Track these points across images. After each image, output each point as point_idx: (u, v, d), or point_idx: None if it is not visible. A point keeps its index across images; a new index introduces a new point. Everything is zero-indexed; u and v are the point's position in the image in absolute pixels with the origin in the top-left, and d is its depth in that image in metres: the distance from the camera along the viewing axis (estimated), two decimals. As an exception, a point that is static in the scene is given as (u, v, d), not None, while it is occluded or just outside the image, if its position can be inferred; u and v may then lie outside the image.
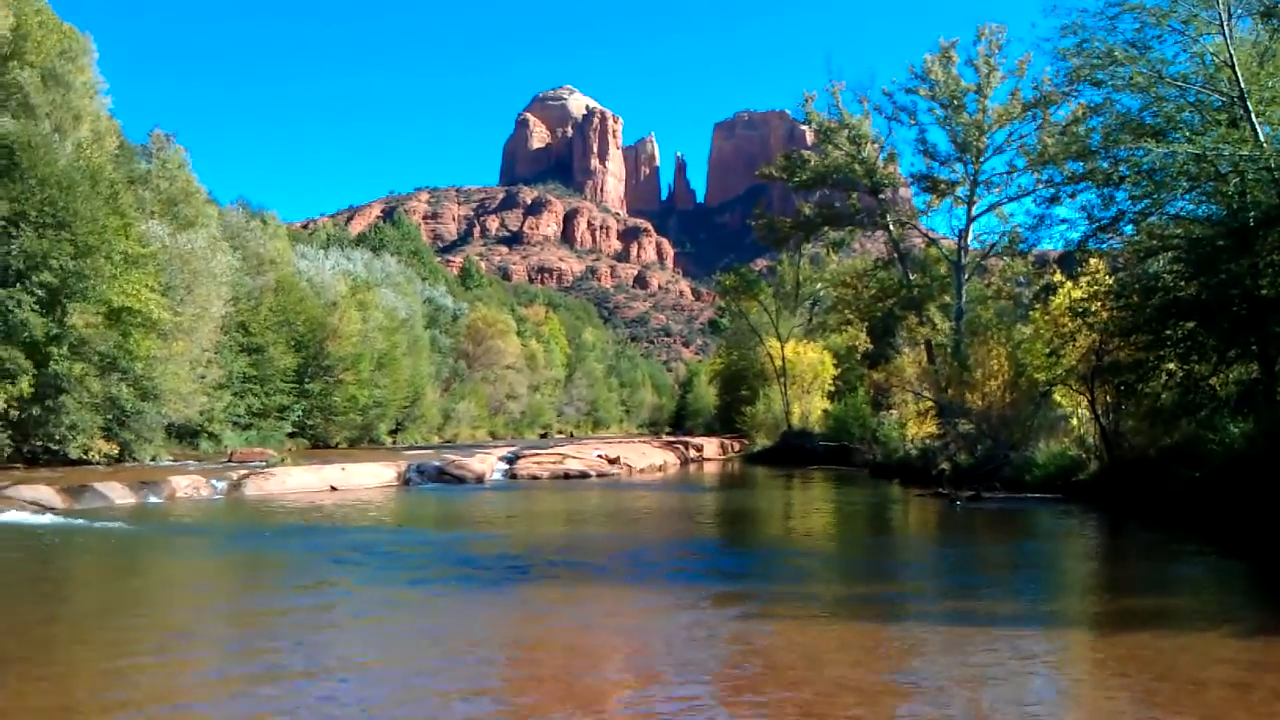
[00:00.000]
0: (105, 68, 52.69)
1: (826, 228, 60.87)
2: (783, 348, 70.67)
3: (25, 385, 36.65)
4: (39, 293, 37.22)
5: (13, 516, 23.91)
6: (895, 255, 58.27)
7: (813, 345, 73.64)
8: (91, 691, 9.46)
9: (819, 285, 79.00)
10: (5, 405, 36.45)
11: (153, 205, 52.50)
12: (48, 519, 24.06)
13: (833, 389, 70.40)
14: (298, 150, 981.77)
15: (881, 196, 56.79)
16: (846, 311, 67.38)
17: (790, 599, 14.52)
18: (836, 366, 71.57)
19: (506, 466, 44.37)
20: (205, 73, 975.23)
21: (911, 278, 56.58)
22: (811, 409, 68.89)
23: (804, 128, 70.66)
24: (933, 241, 60.07)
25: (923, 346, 54.51)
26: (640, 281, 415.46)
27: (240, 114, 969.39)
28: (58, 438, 39.39)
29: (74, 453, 39.93)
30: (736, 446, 75.23)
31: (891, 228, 56.52)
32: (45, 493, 26.59)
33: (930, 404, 44.36)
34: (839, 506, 33.48)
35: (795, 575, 17.41)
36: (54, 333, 37.49)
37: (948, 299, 54.22)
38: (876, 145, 55.51)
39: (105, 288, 39.62)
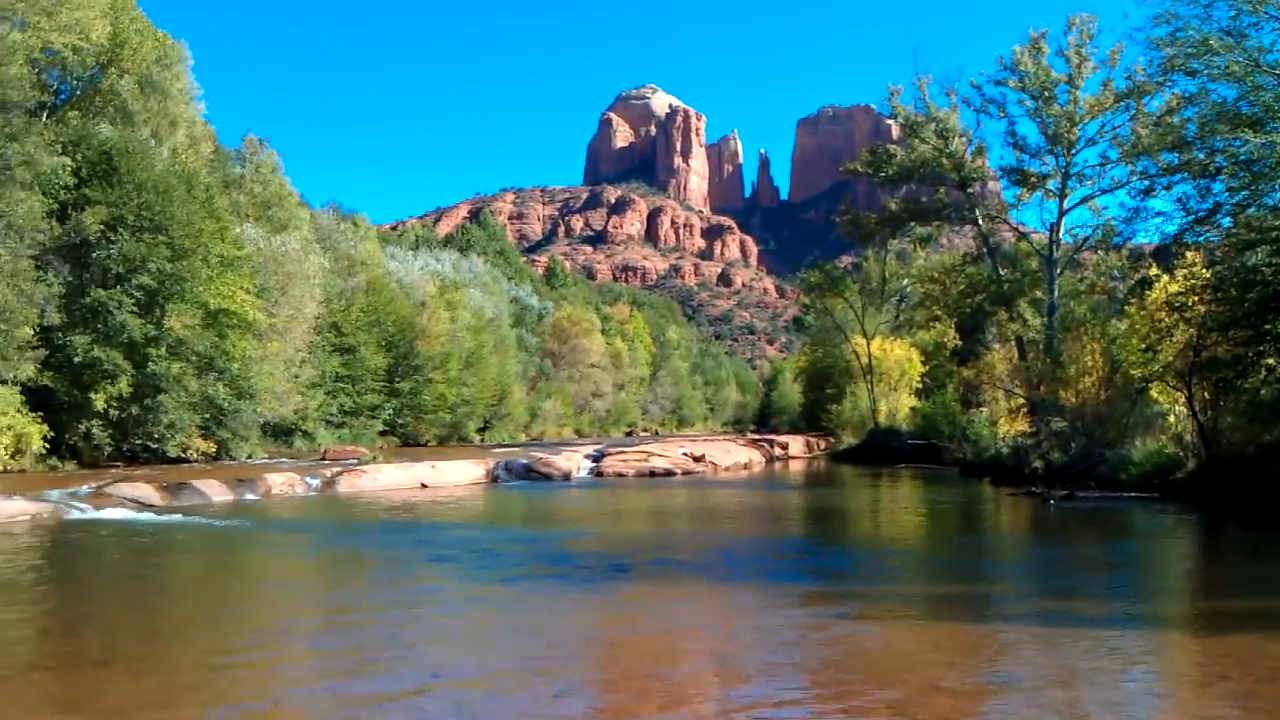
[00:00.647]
0: (199, 74, 54.01)
1: (913, 223, 60.08)
2: (869, 345, 69.94)
3: (124, 385, 37.70)
4: (137, 295, 38.24)
5: (114, 514, 24.62)
6: (984, 250, 57.26)
7: (900, 342, 72.75)
8: (191, 687, 9.67)
9: (906, 281, 78.02)
10: (105, 405, 37.52)
11: (247, 209, 53.71)
12: (148, 516, 24.70)
13: (920, 386, 69.49)
14: (386, 153, 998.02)
15: (970, 190, 55.87)
16: (934, 307, 66.39)
17: (880, 598, 14.37)
18: (924, 363, 70.58)
19: (592, 464, 44.56)
20: (296, 78, 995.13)
21: (1002, 273, 55.57)
22: (899, 406, 68.09)
23: (889, 122, 69.99)
24: (1023, 236, 58.91)
25: (1013, 343, 53.50)
26: (724, 279, 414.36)
27: (331, 118, 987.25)
28: (156, 436, 40.43)
29: (172, 451, 40.97)
30: (822, 445, 74.63)
31: (980, 222, 55.59)
32: (145, 490, 27.30)
33: (1022, 401, 43.56)
34: (929, 505, 33.05)
35: (885, 574, 17.22)
36: (152, 334, 38.49)
37: (1039, 294, 53.13)
38: (964, 138, 54.59)
39: (202, 290, 40.60)
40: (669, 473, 43.60)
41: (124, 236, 38.17)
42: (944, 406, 58.43)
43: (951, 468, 47.55)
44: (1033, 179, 52.01)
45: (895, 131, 76.16)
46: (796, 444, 70.55)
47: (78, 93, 45.86)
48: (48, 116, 41.32)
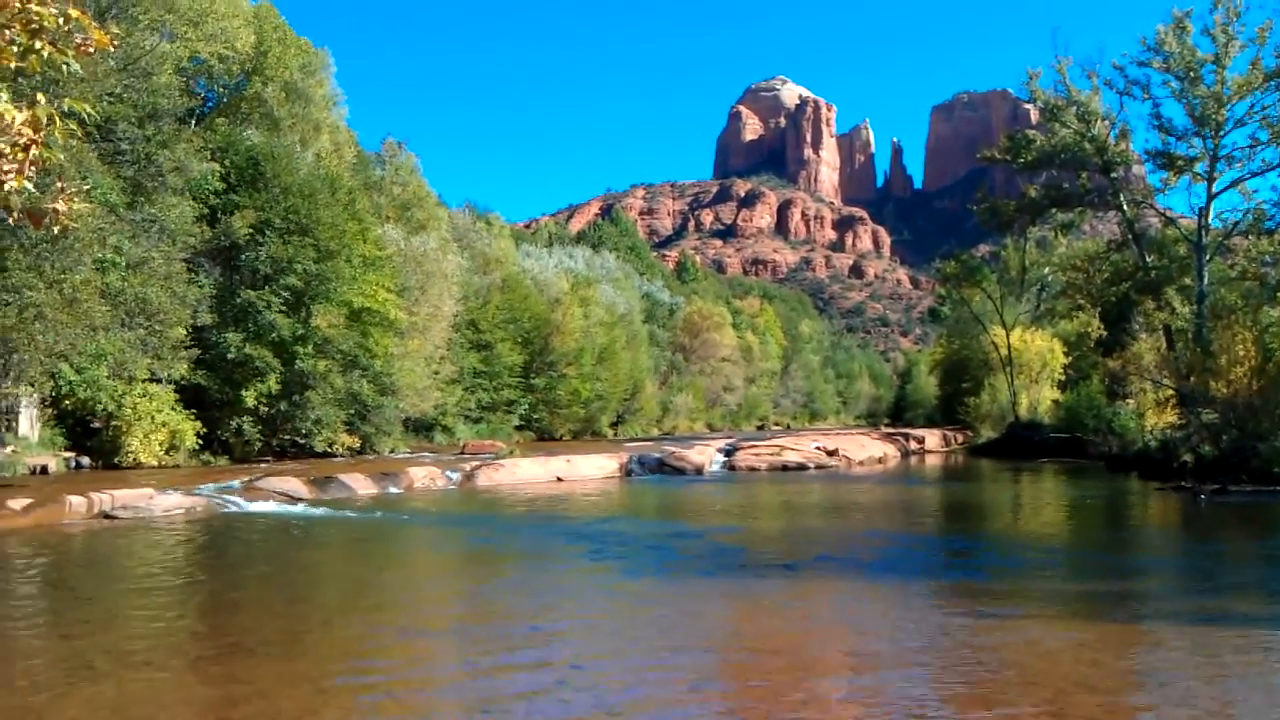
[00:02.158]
0: (340, 80, 55.63)
1: (1054, 210, 58.41)
2: (1008, 336, 68.36)
3: (273, 382, 39.10)
4: (285, 295, 39.61)
5: (265, 507, 25.58)
6: (1129, 237, 55.34)
7: (1040, 333, 70.87)
8: (342, 675, 10.05)
9: (1046, 270, 76.04)
10: (256, 401, 38.97)
11: (387, 210, 55.20)
12: (296, 509, 25.60)
13: (1062, 378, 67.58)
14: (520, 153, 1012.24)
15: (1113, 175, 54.06)
16: (1077, 297, 64.42)
17: (1023, 595, 14.10)
18: (1066, 354, 68.65)
19: (725, 458, 44.57)
20: (432, 81, 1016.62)
21: (1148, 259, 53.69)
22: (1040, 399, 66.35)
23: (1028, 106, 68.23)
24: (1170, 221, 56.79)
25: (1161, 332, 51.70)
26: (856, 271, 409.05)
27: (466, 120, 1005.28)
28: (304, 432, 41.82)
29: (319, 446, 42.34)
30: (959, 439, 73.25)
31: (1125, 208, 53.75)
32: (294, 484, 28.30)
33: (1170, 392, 42.07)
34: (1073, 500, 32.19)
35: (1028, 570, 16.87)
36: (299, 332, 39.82)
37: (1187, 281, 51.18)
38: (1107, 122, 52.86)
39: (345, 289, 41.87)
40: (802, 467, 43.38)
41: (271, 239, 39.57)
42: (1088, 399, 56.75)
43: (1096, 462, 46.21)
44: (1179, 162, 50.07)
45: (1034, 116, 74.29)
46: (933, 438, 69.47)
47: (225, 100, 47.67)
48: (196, 124, 43.03)
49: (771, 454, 45.15)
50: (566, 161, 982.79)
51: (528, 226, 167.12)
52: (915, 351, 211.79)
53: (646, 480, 37.73)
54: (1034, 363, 67.90)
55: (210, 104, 47.11)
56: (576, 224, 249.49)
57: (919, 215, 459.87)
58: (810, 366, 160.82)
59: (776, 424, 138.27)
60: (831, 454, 47.50)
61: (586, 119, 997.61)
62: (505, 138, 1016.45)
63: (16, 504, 21.21)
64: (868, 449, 53.13)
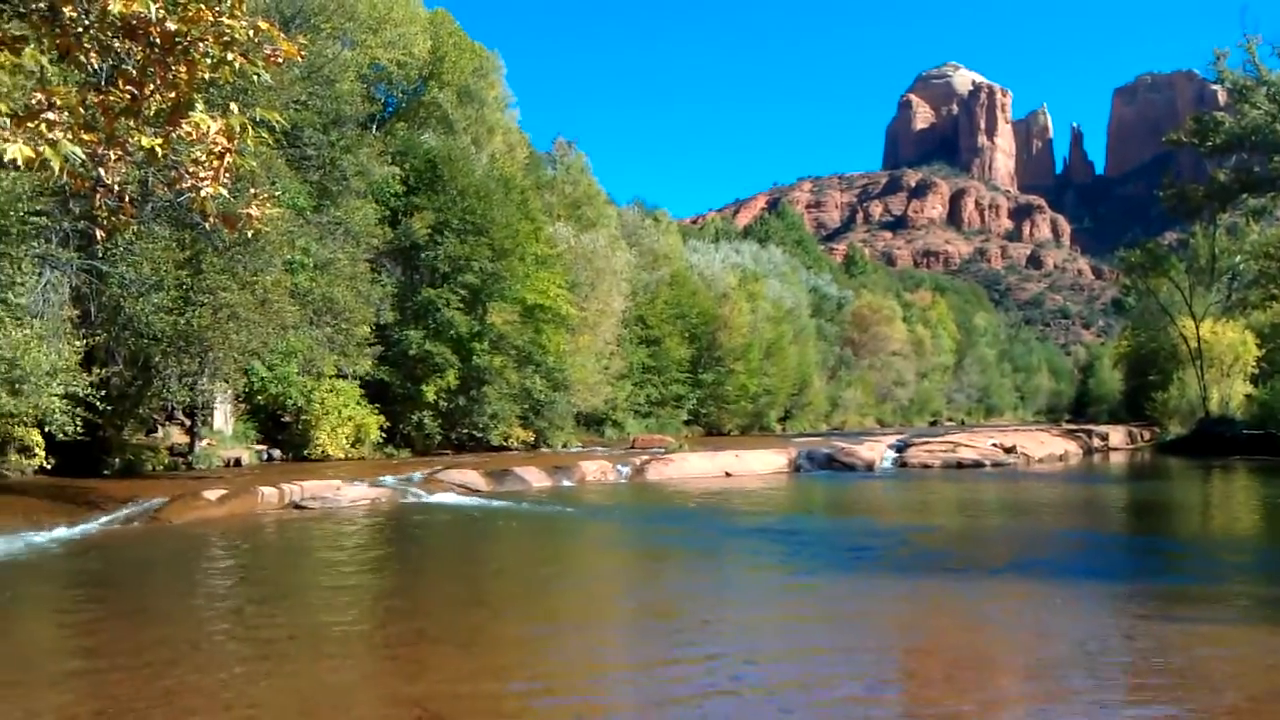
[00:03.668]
0: (511, 81, 56.88)
1: (1245, 195, 55.43)
2: (1197, 327, 65.05)
3: (452, 378, 40.30)
4: (462, 293, 40.79)
5: (444, 498, 26.39)
6: (1328, 222, 52.17)
7: (1232, 324, 67.23)
8: (518, 665, 10.24)
9: (1238, 258, 72.08)
10: (435, 396, 40.22)
11: (558, 209, 56.17)
12: (474, 501, 26.30)
13: (1256, 372, 64.02)
14: (686, 149, 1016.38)
15: (1311, 158, 50.97)
16: (1271, 286, 61.00)
17: (1212, 598, 13.41)
18: (1260, 346, 64.99)
19: (896, 454, 43.74)
20: (599, 80, 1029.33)
21: (1352, 246, 50.47)
22: (1232, 394, 62.99)
23: (1215, 88, 64.75)
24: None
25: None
26: (1034, 261, 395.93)
27: (632, 117, 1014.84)
28: (481, 426, 42.96)
29: (495, 440, 43.44)
30: (1145, 435, 70.11)
31: (1322, 192, 50.65)
32: (471, 476, 29.08)
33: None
34: (1268, 500, 30.44)
35: (1218, 573, 16.02)
36: (476, 329, 40.91)
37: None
38: (1300, 102, 49.86)
39: (519, 287, 42.86)
40: (977, 464, 42.25)
41: (449, 239, 40.76)
42: (1286, 393, 53.67)
43: (1294, 460, 43.66)
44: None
45: (1221, 97, 70.39)
46: (1117, 434, 66.63)
47: (403, 105, 49.27)
48: (377, 129, 44.62)
49: (945, 450, 44.11)
50: (733, 156, 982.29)
51: (694, 222, 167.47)
52: (1098, 344, 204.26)
53: (815, 476, 37.36)
54: (1225, 356, 64.46)
55: (390, 109, 48.74)
56: (743, 219, 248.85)
57: (1101, 202, 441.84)
58: (985, 360, 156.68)
59: (950, 420, 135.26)
60: (1009, 451, 46.08)
61: (753, 114, 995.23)
62: (672, 135, 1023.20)
63: (212, 495, 22.37)
64: (1047, 446, 51.36)
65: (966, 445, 45.75)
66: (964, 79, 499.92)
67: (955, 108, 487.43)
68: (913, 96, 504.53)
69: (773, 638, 11.39)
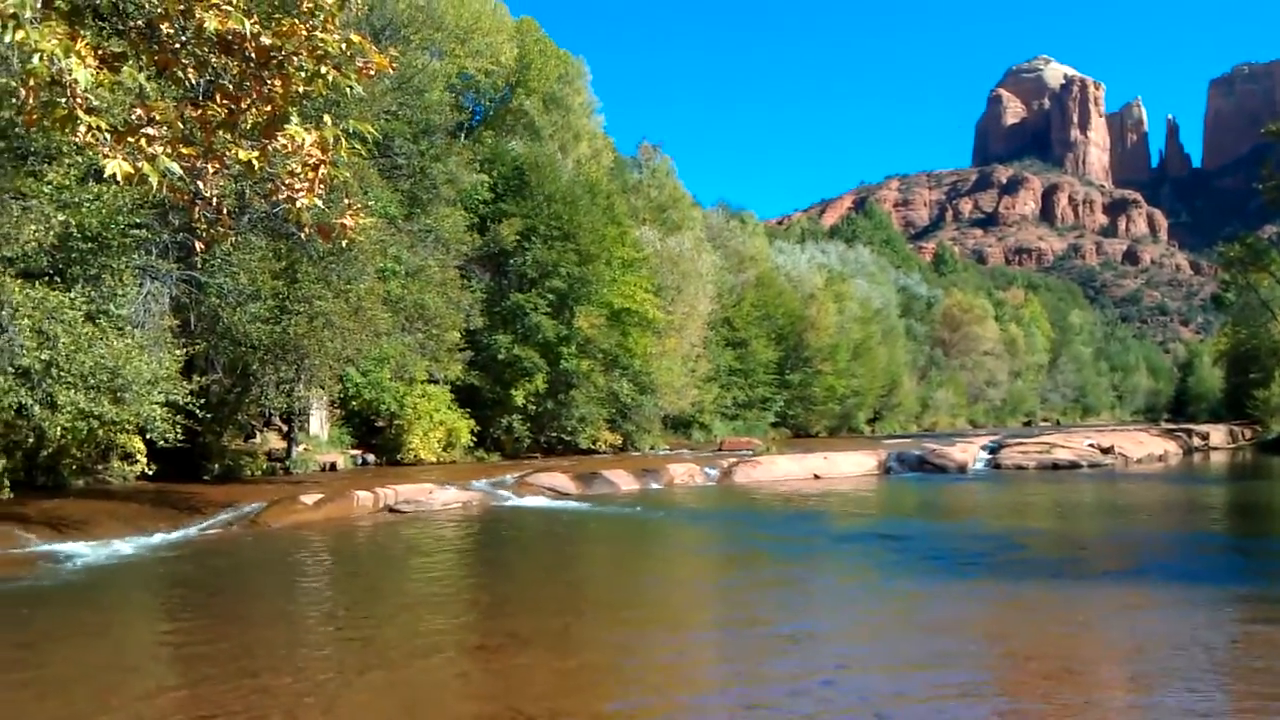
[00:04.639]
0: (595, 86, 57.14)
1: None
2: (1303, 323, 63.04)
3: (540, 382, 40.59)
4: (550, 297, 41.07)
5: (534, 501, 26.62)
6: None
7: (1340, 319, 65.04)
8: (610, 669, 10.29)
9: (1343, 251, 69.67)
10: (524, 400, 40.55)
11: (644, 212, 56.28)
12: (563, 504, 26.49)
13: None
14: (772, 150, 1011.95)
15: None
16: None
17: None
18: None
19: (989, 456, 43.02)
20: (684, 82, 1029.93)
21: None
22: (1342, 390, 60.91)
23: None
24: None
25: None
26: (1130, 257, 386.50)
27: (718, 119, 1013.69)
28: (569, 429, 43.22)
29: (583, 443, 43.66)
30: (1247, 434, 68.08)
31: None
32: (561, 480, 29.28)
33: None
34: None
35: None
36: (563, 333, 41.17)
37: None
38: None
39: (606, 291, 43.04)
40: (1073, 465, 41.38)
41: (536, 245, 41.08)
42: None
43: None
44: None
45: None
46: (1218, 434, 64.80)
47: (491, 113, 49.78)
48: (465, 137, 45.11)
49: (1040, 451, 43.26)
50: (819, 156, 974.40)
51: (780, 223, 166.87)
52: (1197, 342, 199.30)
53: (906, 478, 36.91)
54: (1333, 351, 62.36)
55: (477, 117, 49.29)
56: (829, 218, 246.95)
57: (1198, 196, 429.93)
58: (1081, 359, 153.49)
59: (1044, 420, 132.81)
60: (1106, 451, 45.04)
61: (839, 113, 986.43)
62: (757, 136, 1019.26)
63: (309, 499, 22.80)
64: (1146, 446, 50.13)
65: (1062, 446, 44.82)
66: (1055, 72, 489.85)
67: (1047, 102, 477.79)
68: (1003, 91, 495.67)
69: (865, 643, 11.27)
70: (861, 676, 9.69)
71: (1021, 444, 45.72)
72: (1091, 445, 46.02)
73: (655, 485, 31.69)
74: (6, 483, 20.57)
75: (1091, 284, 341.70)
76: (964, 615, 12.66)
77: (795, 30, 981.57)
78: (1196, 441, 58.97)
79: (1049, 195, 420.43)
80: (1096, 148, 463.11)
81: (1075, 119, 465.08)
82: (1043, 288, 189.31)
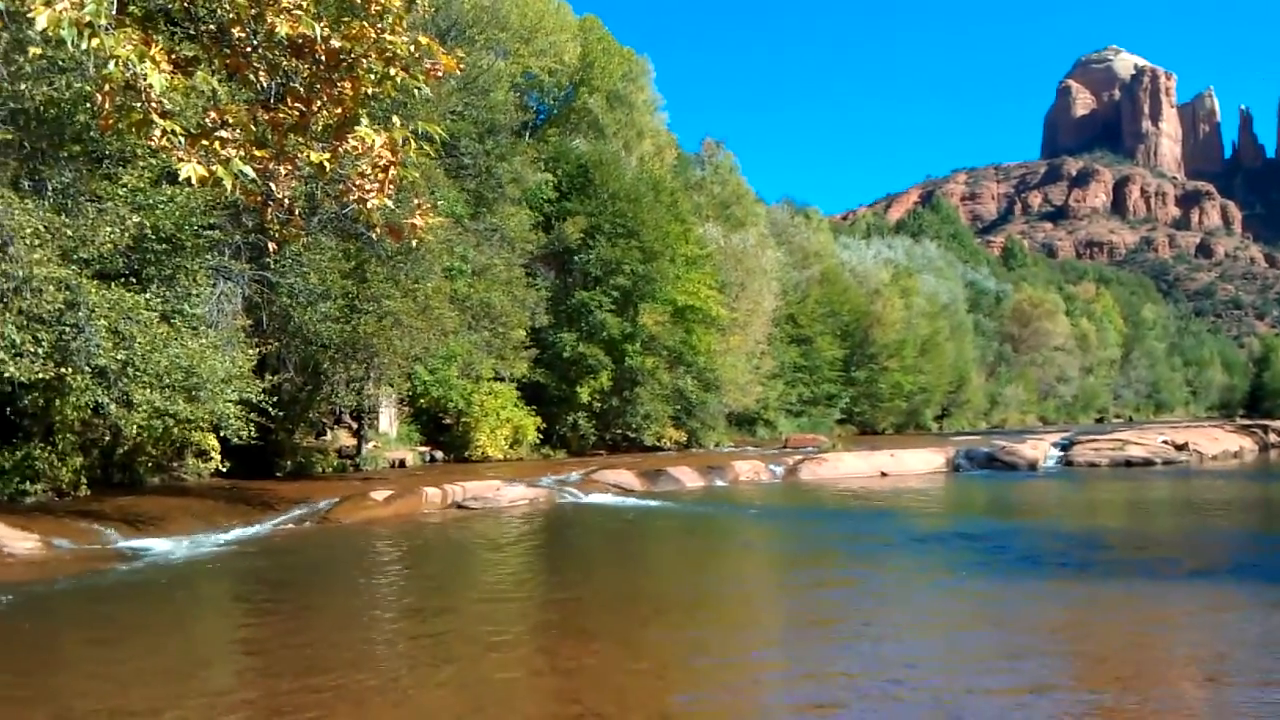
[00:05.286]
0: (658, 83, 57.20)
1: None
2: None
3: (605, 379, 40.74)
4: (614, 295, 41.20)
5: (600, 498, 26.69)
6: None
7: None
8: (677, 664, 10.26)
9: None
10: (590, 398, 40.71)
11: (707, 209, 56.23)
12: (629, 500, 26.52)
13: None
14: (836, 144, 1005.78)
15: None
16: None
17: None
18: None
19: (1060, 453, 42.35)
20: (746, 77, 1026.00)
21: None
22: None
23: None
24: None
25: None
26: (1204, 250, 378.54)
27: (781, 115, 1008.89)
28: (634, 426, 43.34)
29: (648, 440, 43.73)
30: (1329, 430, 66.35)
31: None
32: (626, 477, 29.33)
33: None
34: None
35: None
36: (628, 331, 41.28)
37: None
38: None
39: (670, 288, 43.08)
40: (1147, 462, 40.61)
41: (601, 242, 41.22)
42: None
43: None
44: None
45: None
46: (1297, 430, 63.21)
47: (555, 111, 50.03)
48: (530, 136, 45.37)
49: (1113, 448, 42.50)
50: (884, 150, 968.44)
51: (845, 219, 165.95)
52: (1273, 335, 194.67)
53: (975, 476, 36.47)
54: None
55: (541, 116, 49.55)
56: (895, 213, 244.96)
57: (1273, 187, 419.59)
58: (1154, 354, 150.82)
59: (1117, 416, 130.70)
60: (1180, 448, 44.13)
61: (904, 106, 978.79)
62: (821, 130, 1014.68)
63: (379, 495, 23.07)
64: (1221, 443, 49.04)
65: (1135, 443, 44.01)
66: (1125, 63, 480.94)
67: (1117, 92, 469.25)
68: (1072, 82, 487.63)
69: (935, 642, 11.15)
70: (932, 675, 9.57)
71: (1094, 441, 44.96)
72: (1165, 442, 45.12)
73: (720, 482, 31.64)
74: (84, 480, 21.06)
75: (1164, 278, 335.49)
76: (1037, 614, 12.48)
77: (861, 23, 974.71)
78: (1273, 438, 57.54)
79: (1120, 188, 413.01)
80: (1168, 139, 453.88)
81: (1146, 110, 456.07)
82: (1114, 282, 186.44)
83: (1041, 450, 41.80)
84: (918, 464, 37.60)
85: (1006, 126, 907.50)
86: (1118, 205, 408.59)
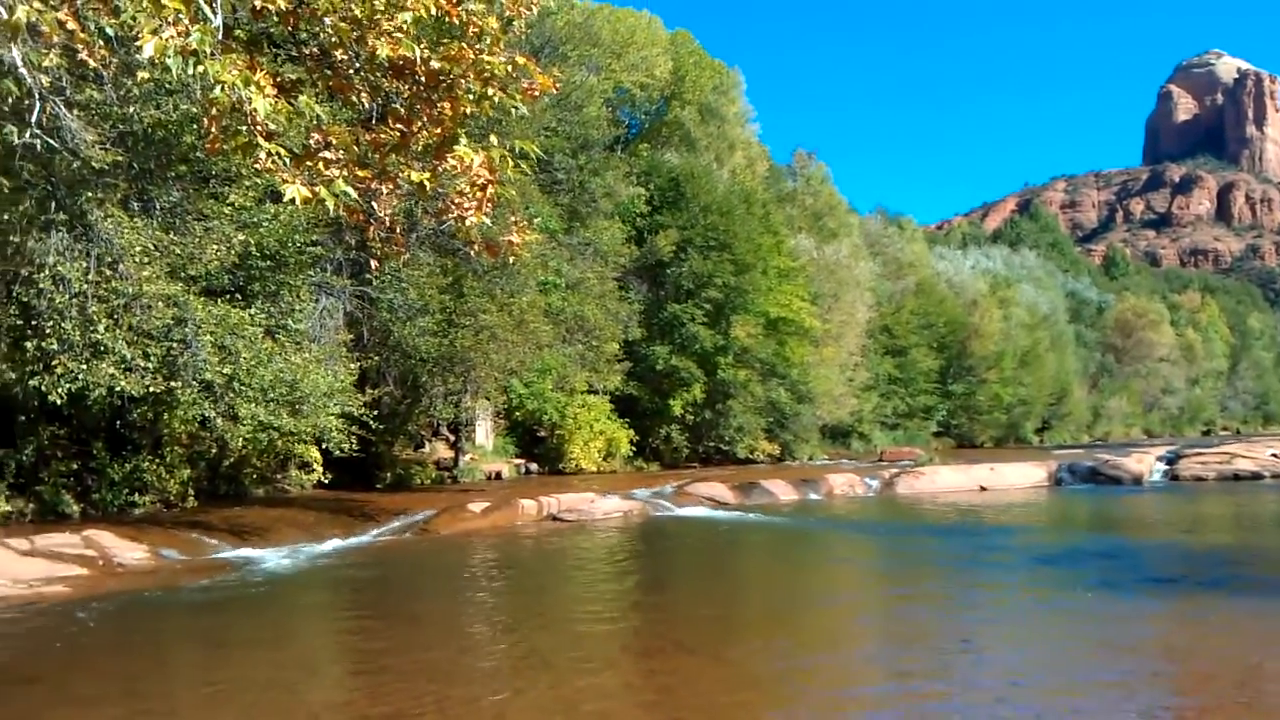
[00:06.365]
0: (749, 94, 57.19)
1: None
2: None
3: (698, 392, 40.77)
4: (706, 308, 41.25)
5: (693, 511, 26.68)
6: None
7: None
8: (772, 680, 10.18)
9: None
10: (682, 410, 40.77)
11: (799, 221, 55.99)
12: (722, 513, 26.48)
13: None
14: (930, 153, 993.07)
15: None
16: None
17: None
18: None
19: (1166, 467, 41.19)
20: (838, 86, 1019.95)
21: None
22: None
23: None
24: None
25: None
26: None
27: (873, 124, 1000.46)
28: (727, 439, 43.29)
29: (741, 452, 43.62)
30: None
31: None
32: (719, 489, 29.30)
33: None
34: None
35: None
36: (720, 343, 41.28)
37: None
38: None
39: (762, 300, 43.00)
40: (1256, 475, 39.30)
41: (693, 255, 41.30)
42: None
43: None
44: None
45: None
46: None
47: (646, 126, 50.28)
48: (622, 150, 45.64)
49: (1220, 462, 41.21)
50: (980, 158, 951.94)
51: (939, 228, 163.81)
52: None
53: (1077, 490, 35.65)
54: None
55: (634, 130, 49.86)
56: (992, 222, 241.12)
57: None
58: (1262, 365, 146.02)
59: (1225, 429, 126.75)
60: (1291, 461, 42.65)
61: (1000, 113, 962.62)
62: (915, 139, 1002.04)
63: (477, 507, 23.37)
64: (1337, 456, 47.29)
65: (1244, 455, 42.63)
66: (1228, 66, 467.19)
67: (1220, 97, 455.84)
68: (1173, 87, 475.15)
69: (1038, 662, 10.92)
70: (1035, 697, 9.37)
71: (1200, 454, 43.66)
72: (1275, 455, 43.64)
73: (814, 495, 31.41)
74: (191, 492, 21.70)
75: (1272, 286, 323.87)
76: (1144, 633, 12.16)
77: (954, 29, 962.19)
78: (1395, 451, 55.36)
79: (1224, 194, 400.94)
80: (1274, 144, 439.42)
81: (1250, 114, 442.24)
82: (1220, 290, 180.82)
83: (1146, 464, 40.71)
84: (1017, 478, 36.90)
85: (1106, 133, 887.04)
86: (1222, 212, 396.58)
